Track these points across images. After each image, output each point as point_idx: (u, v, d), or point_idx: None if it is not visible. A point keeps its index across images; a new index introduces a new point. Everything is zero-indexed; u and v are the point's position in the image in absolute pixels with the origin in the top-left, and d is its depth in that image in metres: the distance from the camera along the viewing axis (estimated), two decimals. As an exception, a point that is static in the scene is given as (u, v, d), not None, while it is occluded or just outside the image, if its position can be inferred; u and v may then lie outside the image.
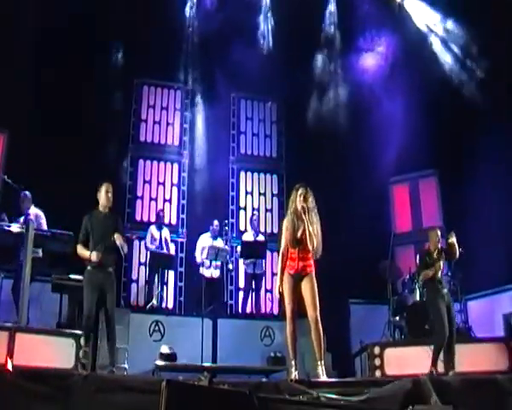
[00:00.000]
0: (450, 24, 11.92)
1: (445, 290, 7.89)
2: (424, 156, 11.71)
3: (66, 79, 10.58)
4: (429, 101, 11.50)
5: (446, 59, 11.94)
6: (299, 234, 6.43)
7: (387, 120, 12.03)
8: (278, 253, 11.33)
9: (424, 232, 9.31)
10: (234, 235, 12.31)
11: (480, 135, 10.63)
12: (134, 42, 11.40)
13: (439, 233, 8.12)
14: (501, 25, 9.97)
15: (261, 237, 11.41)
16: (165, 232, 11.18)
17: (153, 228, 11.15)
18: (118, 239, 7.00)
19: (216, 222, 11.01)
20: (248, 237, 11.50)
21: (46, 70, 10.47)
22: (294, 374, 6.21)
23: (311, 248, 6.38)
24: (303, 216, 6.42)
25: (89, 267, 7.05)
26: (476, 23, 10.82)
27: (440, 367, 7.67)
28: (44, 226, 8.95)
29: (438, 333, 7.68)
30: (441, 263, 7.88)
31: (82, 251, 7.12)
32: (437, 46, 12.18)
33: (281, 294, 6.53)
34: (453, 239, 7.86)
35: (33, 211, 9.10)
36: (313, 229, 6.41)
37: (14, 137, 10.64)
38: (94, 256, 6.95)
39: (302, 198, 6.49)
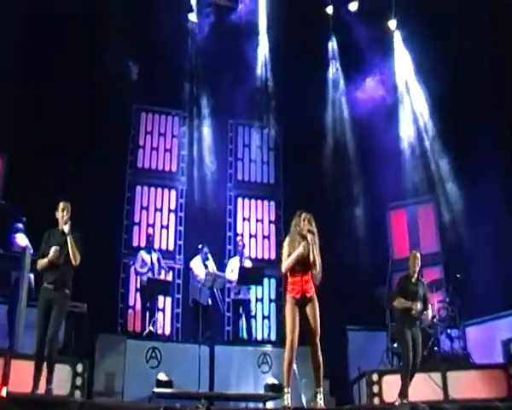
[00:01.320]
0: None
1: (417, 323, 7.80)
2: (422, 182, 11.77)
3: (66, 104, 10.65)
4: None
5: None
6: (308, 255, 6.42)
7: (386, 147, 12.11)
8: (275, 279, 11.35)
9: (422, 258, 9.31)
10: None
11: (476, 166, 10.72)
12: (133, 69, 11.49)
13: (418, 256, 8.03)
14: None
15: (248, 264, 11.34)
16: (155, 256, 11.09)
17: (143, 252, 11.07)
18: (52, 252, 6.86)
19: (205, 249, 10.97)
20: (247, 263, 11.46)
21: (45, 93, 10.54)
22: (287, 402, 6.15)
23: (314, 271, 6.38)
24: (308, 239, 6.42)
25: (44, 284, 6.90)
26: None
27: (439, 394, 7.62)
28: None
29: (403, 363, 7.66)
30: (418, 304, 7.73)
31: (40, 261, 6.99)
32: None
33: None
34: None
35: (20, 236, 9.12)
36: (316, 253, 6.41)
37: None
38: (52, 250, 6.84)
39: (307, 222, 6.51)
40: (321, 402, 6.18)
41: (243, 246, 11.73)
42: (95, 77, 10.92)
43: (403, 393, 7.35)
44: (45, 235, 7.10)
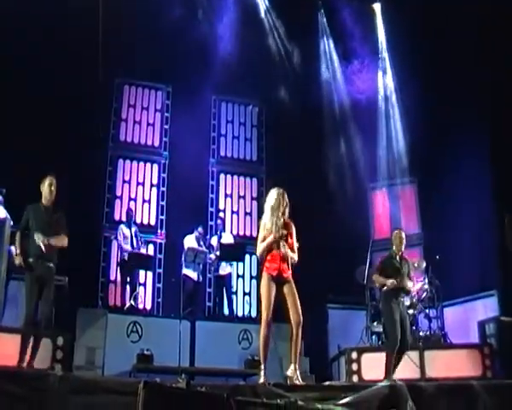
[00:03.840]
0: None
1: (402, 300, 7.73)
2: (404, 163, 11.83)
3: (49, 76, 10.50)
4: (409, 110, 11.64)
5: None
6: (282, 235, 6.43)
7: (368, 127, 12.15)
8: (257, 256, 11.36)
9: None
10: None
11: (455, 147, 10.81)
12: (116, 41, 11.31)
13: (402, 236, 7.91)
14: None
15: (228, 239, 11.35)
16: (134, 230, 11.05)
17: (123, 226, 11.05)
18: (38, 239, 6.74)
19: (200, 229, 10.99)
20: (227, 239, 11.47)
21: (29, 66, 10.40)
22: (263, 378, 6.19)
23: (293, 260, 6.41)
24: (291, 224, 6.48)
25: (30, 259, 6.76)
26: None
27: (417, 373, 7.74)
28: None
29: (389, 341, 7.60)
30: (405, 278, 7.69)
31: (19, 239, 6.87)
32: None
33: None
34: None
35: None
36: (295, 239, 6.46)
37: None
38: (39, 240, 6.69)
39: (287, 202, 6.53)
40: (299, 378, 6.22)
41: (222, 222, 11.77)
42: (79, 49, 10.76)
43: (388, 371, 7.31)
44: (27, 209, 6.93)
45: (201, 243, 10.94)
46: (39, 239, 6.71)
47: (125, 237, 10.88)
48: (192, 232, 10.94)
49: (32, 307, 6.68)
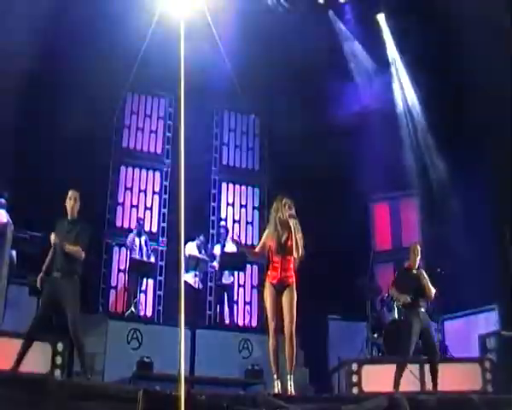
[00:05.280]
0: None
1: (422, 310, 7.79)
2: (406, 176, 11.84)
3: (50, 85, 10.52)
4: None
5: None
6: (283, 240, 6.44)
7: (370, 139, 12.15)
8: (258, 265, 11.40)
9: (404, 251, 9.36)
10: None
11: (457, 161, 10.82)
12: (119, 49, 11.33)
13: (419, 249, 8.04)
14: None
15: (231, 248, 11.36)
16: (143, 239, 11.13)
17: (133, 235, 11.09)
18: (64, 247, 6.91)
19: (202, 237, 11.01)
20: (231, 248, 11.47)
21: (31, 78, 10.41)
22: (278, 388, 6.20)
23: (296, 255, 6.40)
24: (290, 223, 6.44)
25: (53, 273, 6.90)
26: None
27: (416, 386, 7.71)
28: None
29: (402, 353, 7.67)
30: (407, 297, 7.74)
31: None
32: None
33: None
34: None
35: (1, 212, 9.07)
36: (299, 236, 6.44)
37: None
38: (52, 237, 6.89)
39: (287, 207, 6.53)
40: (291, 389, 6.21)
41: (226, 231, 11.76)
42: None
43: (396, 383, 7.36)
44: (55, 224, 7.11)
45: (203, 250, 10.94)
46: (55, 239, 6.88)
47: (134, 246, 10.92)
48: (194, 240, 10.94)
49: (39, 319, 6.80)
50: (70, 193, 7.12)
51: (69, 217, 7.10)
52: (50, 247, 7.07)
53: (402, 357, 7.61)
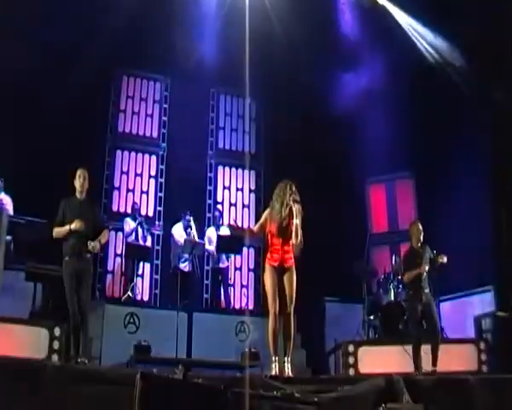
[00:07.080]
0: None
1: (426, 290, 7.89)
2: (401, 158, 11.83)
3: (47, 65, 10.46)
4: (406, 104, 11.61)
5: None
6: (284, 224, 6.48)
7: (366, 121, 12.12)
8: (254, 248, 11.42)
9: (400, 233, 9.38)
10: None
11: (454, 143, 10.81)
12: (116, 32, 11.26)
13: (420, 227, 8.08)
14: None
15: (225, 231, 11.36)
16: (139, 220, 11.09)
17: (129, 220, 11.09)
18: (90, 247, 6.98)
19: (188, 217, 10.96)
20: (225, 232, 11.48)
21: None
22: (275, 370, 6.24)
23: (295, 241, 6.42)
24: (293, 209, 6.47)
25: (66, 258, 6.96)
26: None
27: (413, 366, 7.76)
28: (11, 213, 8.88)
29: (411, 334, 7.83)
30: (425, 265, 7.83)
31: (59, 228, 6.99)
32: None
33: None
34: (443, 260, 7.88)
35: (2, 196, 9.04)
36: (299, 223, 6.45)
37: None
38: (74, 225, 6.86)
39: (293, 192, 6.55)
40: (289, 371, 6.28)
41: (220, 214, 11.76)
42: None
43: (416, 365, 7.53)
44: (62, 203, 7.08)
45: (188, 230, 10.90)
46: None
47: (131, 231, 10.92)
48: (180, 220, 10.95)
49: (75, 303, 6.83)
50: (79, 172, 7.10)
51: (78, 196, 7.09)
52: (47, 233, 7.10)
53: (413, 341, 7.72)
